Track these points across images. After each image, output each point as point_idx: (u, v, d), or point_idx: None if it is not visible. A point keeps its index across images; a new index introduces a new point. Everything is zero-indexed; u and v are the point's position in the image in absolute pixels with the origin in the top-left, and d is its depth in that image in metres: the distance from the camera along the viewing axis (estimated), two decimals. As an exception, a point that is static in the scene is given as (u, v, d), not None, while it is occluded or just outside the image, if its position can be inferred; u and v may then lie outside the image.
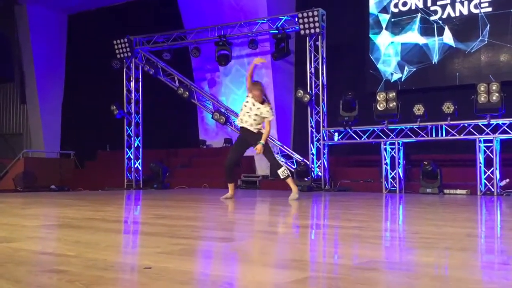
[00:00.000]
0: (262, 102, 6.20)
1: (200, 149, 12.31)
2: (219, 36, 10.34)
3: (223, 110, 10.78)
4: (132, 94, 11.30)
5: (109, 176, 11.74)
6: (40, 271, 1.79)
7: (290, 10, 10.75)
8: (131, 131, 11.27)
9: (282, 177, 6.18)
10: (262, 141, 6.17)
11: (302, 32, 9.49)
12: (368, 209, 5.17)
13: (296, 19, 9.54)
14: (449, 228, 3.35)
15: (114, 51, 11.24)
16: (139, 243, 2.67)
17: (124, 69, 11.35)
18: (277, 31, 9.91)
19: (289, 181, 6.22)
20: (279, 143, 10.33)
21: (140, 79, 11.35)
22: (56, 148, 14.70)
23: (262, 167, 10.95)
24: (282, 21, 9.91)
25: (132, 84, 11.31)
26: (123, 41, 11.09)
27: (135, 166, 11.14)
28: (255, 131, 6.23)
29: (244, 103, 6.32)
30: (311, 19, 9.29)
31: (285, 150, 10.20)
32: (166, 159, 11.90)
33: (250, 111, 6.20)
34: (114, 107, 11.03)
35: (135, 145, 11.21)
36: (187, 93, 10.82)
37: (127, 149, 11.26)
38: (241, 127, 6.36)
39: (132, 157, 11.18)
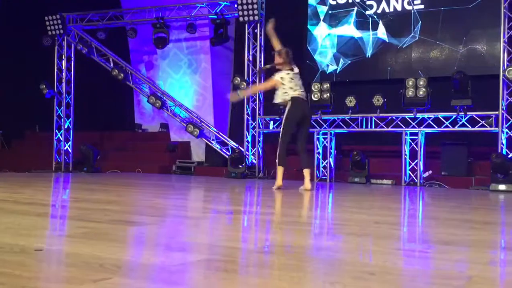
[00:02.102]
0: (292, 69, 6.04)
1: (135, 133, 12.06)
2: (156, 18, 10.10)
3: (159, 94, 10.60)
4: (64, 73, 10.86)
5: (37, 158, 11.27)
6: None
7: (231, -5, 10.67)
8: (61, 111, 10.85)
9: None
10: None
11: (241, 19, 9.45)
12: (293, 197, 5.25)
13: (236, 6, 9.48)
14: (361, 215, 3.46)
15: (45, 28, 10.74)
16: (42, 225, 2.57)
17: (56, 47, 10.88)
18: (216, 16, 9.82)
19: (306, 173, 5.95)
20: (215, 129, 10.29)
21: (73, 58, 10.92)
22: (-19, 127, 13.91)
23: (197, 153, 10.89)
24: (221, 6, 9.83)
25: (64, 62, 10.87)
26: (55, 18, 10.61)
27: (65, 148, 10.76)
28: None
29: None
30: (250, 6, 9.27)
31: (220, 137, 10.18)
32: (99, 142, 11.56)
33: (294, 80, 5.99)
34: (44, 86, 10.57)
35: (65, 127, 10.82)
36: (122, 75, 10.53)
37: (56, 130, 10.84)
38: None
39: (61, 138, 10.78)
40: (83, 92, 11.20)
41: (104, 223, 2.67)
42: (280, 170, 5.93)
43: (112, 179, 7.78)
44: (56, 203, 3.88)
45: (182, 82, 11.04)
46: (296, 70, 6.13)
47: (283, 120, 6.07)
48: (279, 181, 5.91)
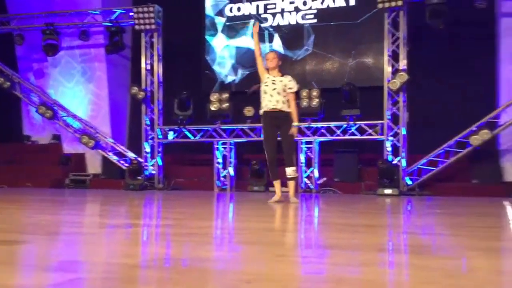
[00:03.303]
0: (282, 75, 5.62)
1: (24, 145, 11.28)
2: (46, 24, 9.58)
3: (50, 104, 10.03)
4: None
5: None
6: None
7: (127, 4, 10.42)
8: None
9: (288, 176, 5.64)
10: (297, 122, 5.63)
11: (137, 27, 9.27)
12: (191, 207, 5.22)
13: (131, 14, 9.28)
14: (256, 223, 3.51)
15: None
16: None
17: None
18: (110, 24, 9.53)
19: (291, 184, 5.69)
20: (111, 140, 9.94)
21: (-48, 66, 10.02)
22: None
23: (93, 165, 10.43)
24: (116, 14, 9.56)
25: None
26: None
27: None
28: (286, 110, 5.57)
29: (263, 87, 5.60)
30: (146, 15, 9.12)
31: (117, 148, 9.85)
32: (-18, 155, 10.66)
33: (274, 90, 5.51)
34: None
35: None
36: (8, 83, 9.84)
37: None
38: (267, 112, 5.61)
39: None
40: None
41: (-24, 244, 2.45)
42: (276, 184, 5.78)
43: (-5, 195, 7.19)
44: None
45: (76, 91, 10.55)
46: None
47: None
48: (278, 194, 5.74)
